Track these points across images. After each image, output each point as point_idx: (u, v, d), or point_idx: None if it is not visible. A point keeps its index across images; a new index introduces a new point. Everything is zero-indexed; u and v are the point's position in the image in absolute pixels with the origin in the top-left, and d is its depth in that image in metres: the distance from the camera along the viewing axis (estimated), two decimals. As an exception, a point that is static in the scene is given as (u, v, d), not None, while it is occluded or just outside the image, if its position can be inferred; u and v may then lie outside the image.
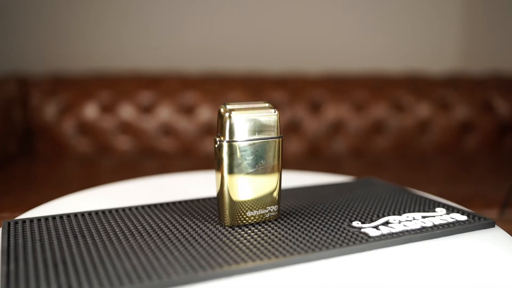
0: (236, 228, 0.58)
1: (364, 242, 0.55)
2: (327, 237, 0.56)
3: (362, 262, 0.51)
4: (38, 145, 1.70)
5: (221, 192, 0.58)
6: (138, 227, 0.59)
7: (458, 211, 0.66)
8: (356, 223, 0.61)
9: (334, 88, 1.75)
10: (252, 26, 1.92)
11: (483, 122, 1.74)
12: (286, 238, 0.56)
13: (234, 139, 0.56)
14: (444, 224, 0.61)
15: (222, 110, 0.56)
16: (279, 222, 0.61)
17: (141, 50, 1.91)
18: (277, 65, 1.94)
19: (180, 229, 0.58)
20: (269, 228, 0.59)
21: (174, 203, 0.69)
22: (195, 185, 0.84)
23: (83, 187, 1.22)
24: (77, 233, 0.57)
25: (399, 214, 0.65)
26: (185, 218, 0.62)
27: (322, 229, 0.59)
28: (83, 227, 0.59)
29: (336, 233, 0.58)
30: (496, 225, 0.63)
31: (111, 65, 1.90)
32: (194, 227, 0.59)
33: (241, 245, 0.53)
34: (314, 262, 0.51)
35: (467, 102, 1.75)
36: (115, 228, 0.58)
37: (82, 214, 0.64)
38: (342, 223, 0.61)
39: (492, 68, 1.92)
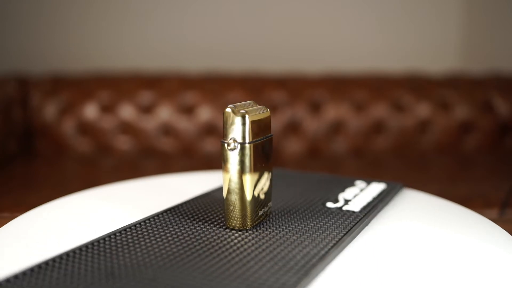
0: (259, 230, 0.59)
1: (359, 217, 0.63)
2: (329, 221, 0.62)
3: (368, 238, 0.51)
4: (38, 145, 1.70)
5: (241, 195, 0.57)
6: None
7: (372, 181, 0.80)
8: (330, 204, 0.69)
9: (334, 88, 1.75)
10: (252, 26, 1.92)
11: (483, 122, 1.74)
12: (308, 231, 0.59)
13: (253, 140, 0.56)
14: (382, 192, 0.73)
15: (234, 112, 0.56)
16: (275, 220, 0.62)
17: (141, 50, 1.91)
18: (277, 65, 1.94)
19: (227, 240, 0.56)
20: (273, 228, 0.59)
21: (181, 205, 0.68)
22: (195, 185, 0.84)
23: (83, 187, 1.22)
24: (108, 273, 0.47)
25: (338, 193, 0.74)
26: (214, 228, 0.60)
27: (314, 216, 0.64)
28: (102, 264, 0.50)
29: (330, 215, 0.64)
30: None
31: (111, 65, 1.90)
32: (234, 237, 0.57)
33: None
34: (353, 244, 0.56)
35: (467, 102, 1.75)
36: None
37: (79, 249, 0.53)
38: (321, 207, 0.68)
39: (492, 68, 1.92)
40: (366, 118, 1.73)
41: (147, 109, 1.71)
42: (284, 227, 0.60)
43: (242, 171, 0.56)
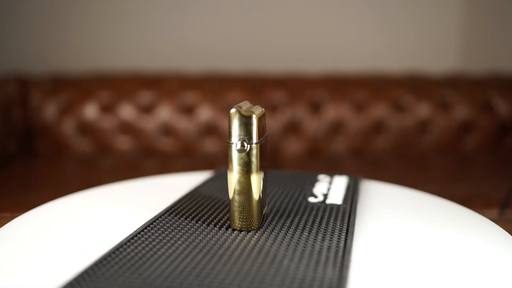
0: (267, 230, 0.59)
1: (348, 210, 0.65)
2: (325, 215, 0.64)
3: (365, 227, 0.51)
4: (38, 145, 1.70)
5: (250, 196, 0.57)
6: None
7: (334, 175, 0.84)
8: (312, 199, 0.71)
9: (334, 88, 1.75)
10: (252, 26, 1.92)
11: (483, 122, 1.74)
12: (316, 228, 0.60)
13: (259, 140, 0.56)
14: (348, 184, 0.79)
15: (242, 112, 0.55)
16: (275, 219, 0.62)
17: (141, 50, 1.91)
18: (277, 65, 1.94)
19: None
20: (279, 226, 0.59)
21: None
22: (195, 185, 0.84)
23: (83, 187, 1.22)
24: None
25: (311, 189, 0.76)
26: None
27: (308, 212, 0.66)
28: None
29: (320, 209, 0.66)
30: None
31: (111, 65, 1.90)
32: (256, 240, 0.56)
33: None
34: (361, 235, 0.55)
35: (467, 102, 1.75)
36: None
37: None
38: (307, 203, 0.69)
39: (492, 68, 1.92)
40: (366, 118, 1.73)
41: (147, 109, 1.71)
42: (288, 225, 0.60)
43: (251, 172, 0.56)
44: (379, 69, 1.97)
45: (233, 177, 0.57)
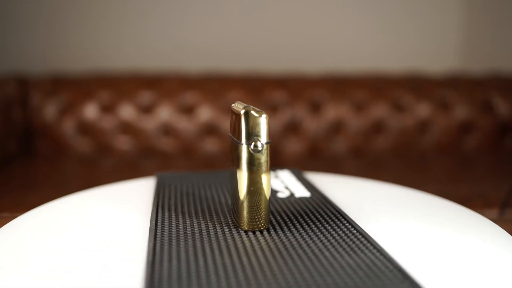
0: (279, 230, 0.59)
1: (327, 202, 0.69)
2: (311, 209, 0.67)
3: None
4: (38, 145, 1.70)
5: (264, 195, 0.57)
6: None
7: (276, 169, 0.88)
8: (280, 194, 0.73)
9: (334, 88, 1.75)
10: (252, 26, 1.92)
11: (483, 122, 1.74)
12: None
13: (270, 140, 0.57)
14: (296, 176, 0.84)
15: (255, 112, 0.55)
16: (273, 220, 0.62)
17: (141, 50, 1.91)
18: (277, 65, 1.94)
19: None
20: (279, 224, 0.59)
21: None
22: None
23: (83, 187, 1.22)
24: None
25: None
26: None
27: (294, 208, 0.68)
28: None
29: (300, 204, 0.69)
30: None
31: (111, 65, 1.90)
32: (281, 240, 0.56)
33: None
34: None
35: (467, 102, 1.75)
36: None
37: None
38: (279, 200, 0.71)
39: (492, 68, 1.92)
40: (366, 118, 1.73)
41: (147, 109, 1.71)
42: (290, 222, 0.61)
43: (263, 171, 0.56)
44: (379, 69, 1.97)
45: (246, 178, 0.56)
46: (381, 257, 0.50)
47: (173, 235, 0.57)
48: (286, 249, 0.53)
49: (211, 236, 0.57)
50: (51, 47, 1.88)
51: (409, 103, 1.74)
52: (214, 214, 0.65)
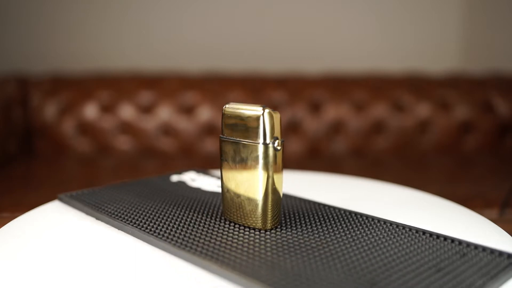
0: (286, 229, 0.59)
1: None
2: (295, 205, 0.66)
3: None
4: (38, 145, 1.70)
5: (279, 193, 0.57)
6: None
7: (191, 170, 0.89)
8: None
9: (334, 88, 1.75)
10: (252, 26, 1.92)
11: (483, 122, 1.74)
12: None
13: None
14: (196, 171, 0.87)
15: (271, 111, 0.55)
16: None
17: (141, 50, 1.91)
18: (277, 65, 1.94)
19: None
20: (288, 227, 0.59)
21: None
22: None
23: (83, 187, 1.22)
24: None
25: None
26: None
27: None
28: None
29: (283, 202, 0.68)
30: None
31: (111, 65, 1.90)
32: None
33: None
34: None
35: (467, 102, 1.75)
36: None
37: None
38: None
39: (492, 68, 1.92)
40: (366, 118, 1.73)
41: (147, 109, 1.71)
42: (295, 219, 0.62)
43: (281, 169, 0.57)
44: (379, 69, 1.97)
45: (268, 177, 0.56)
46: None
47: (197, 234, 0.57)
48: (325, 244, 0.54)
49: (237, 236, 0.56)
50: (51, 47, 1.88)
51: (409, 103, 1.74)
52: (214, 214, 0.65)
